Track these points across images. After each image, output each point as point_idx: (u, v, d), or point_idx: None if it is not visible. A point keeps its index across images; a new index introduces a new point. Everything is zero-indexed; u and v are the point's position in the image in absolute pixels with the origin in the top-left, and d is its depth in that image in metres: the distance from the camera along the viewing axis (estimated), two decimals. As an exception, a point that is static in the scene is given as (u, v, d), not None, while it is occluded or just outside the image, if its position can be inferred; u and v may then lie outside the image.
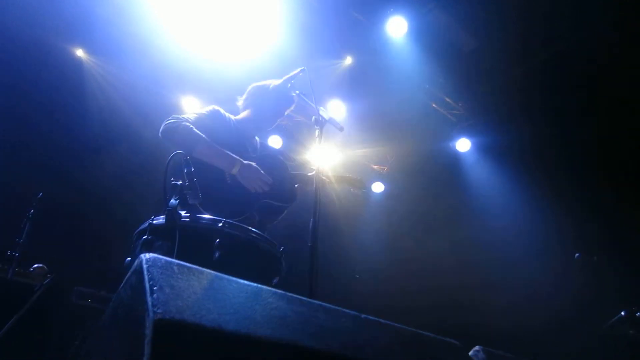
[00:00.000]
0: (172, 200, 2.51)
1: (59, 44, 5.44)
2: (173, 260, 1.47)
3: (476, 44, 6.50)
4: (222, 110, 3.18)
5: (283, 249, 2.70)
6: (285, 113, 3.39)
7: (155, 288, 1.31)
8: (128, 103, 5.51)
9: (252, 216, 3.00)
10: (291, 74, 3.37)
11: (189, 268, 1.48)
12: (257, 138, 3.39)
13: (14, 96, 5.03)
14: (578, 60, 5.79)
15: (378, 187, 7.20)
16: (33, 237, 4.28)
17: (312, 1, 5.60)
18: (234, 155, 2.88)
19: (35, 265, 4.37)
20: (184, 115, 3.01)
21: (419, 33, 6.04)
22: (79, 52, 5.57)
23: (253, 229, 2.62)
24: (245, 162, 2.88)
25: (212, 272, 1.54)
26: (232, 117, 3.28)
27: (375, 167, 7.10)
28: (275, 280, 2.64)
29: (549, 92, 6.41)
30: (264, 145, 3.49)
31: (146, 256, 1.42)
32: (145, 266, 1.38)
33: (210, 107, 3.17)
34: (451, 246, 6.52)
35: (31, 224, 4.22)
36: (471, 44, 6.57)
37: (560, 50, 5.96)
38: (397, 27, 5.87)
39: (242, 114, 3.35)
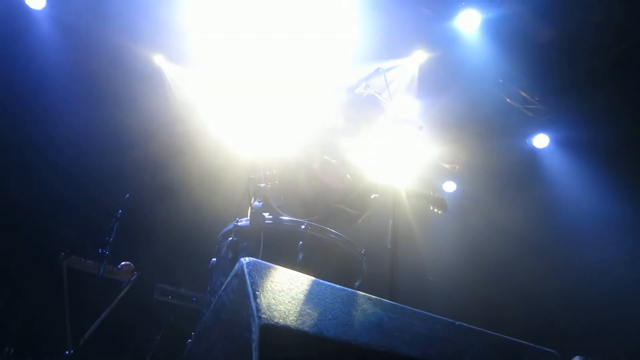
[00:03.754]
0: (256, 203, 2.57)
1: (138, 49, 5.72)
2: (272, 264, 1.49)
3: (552, 34, 6.15)
4: (315, 116, 3.23)
5: (365, 252, 2.69)
6: (376, 118, 3.37)
7: (257, 292, 1.33)
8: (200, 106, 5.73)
9: (326, 220, 3.00)
10: (366, 74, 3.35)
11: (287, 272, 1.50)
12: (341, 142, 3.38)
13: (102, 103, 5.37)
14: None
15: (450, 187, 7.01)
16: (121, 236, 4.53)
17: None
18: (316, 151, 2.89)
19: (123, 263, 4.63)
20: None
21: (492, 25, 5.79)
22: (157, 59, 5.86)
23: (334, 231, 2.62)
24: (325, 158, 2.88)
25: (309, 276, 1.55)
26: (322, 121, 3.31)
27: (446, 165, 6.91)
28: (357, 283, 2.63)
29: (631, 82, 5.95)
30: (347, 150, 3.48)
31: (246, 260, 1.45)
32: (246, 270, 1.40)
33: (303, 112, 3.22)
34: (528, 249, 6.20)
35: (120, 223, 4.47)
36: (547, 35, 6.21)
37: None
38: (469, 21, 5.67)
39: (333, 119, 3.36)
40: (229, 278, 1.49)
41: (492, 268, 6.30)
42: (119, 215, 4.48)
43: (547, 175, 6.78)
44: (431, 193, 3.46)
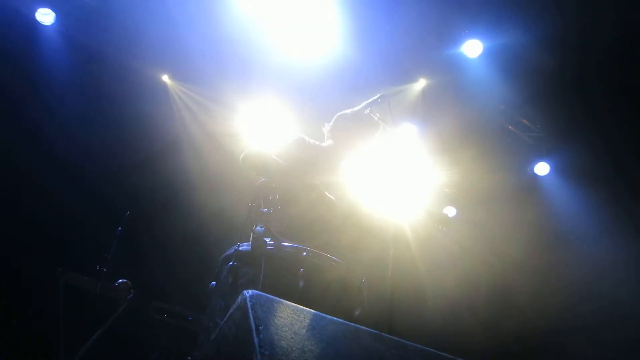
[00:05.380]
0: (258, 228, 2.57)
1: (144, 69, 5.77)
2: (274, 297, 1.49)
3: (555, 62, 6.21)
4: (306, 138, 3.21)
5: (365, 279, 2.68)
6: (373, 139, 3.36)
7: (260, 327, 1.32)
8: (205, 126, 5.77)
9: (327, 245, 2.97)
10: (370, 100, 3.35)
11: (289, 306, 1.49)
12: (340, 163, 3.36)
13: (105, 121, 5.41)
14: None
15: (450, 211, 7.01)
16: (119, 253, 4.51)
17: (385, 24, 5.58)
18: (314, 179, 2.88)
19: (120, 281, 4.59)
20: (265, 144, 3.07)
21: (494, 54, 5.86)
22: (165, 78, 5.91)
23: (335, 258, 2.62)
24: (324, 185, 2.87)
25: (311, 310, 1.54)
26: (318, 143, 3.30)
27: (447, 190, 6.92)
28: (358, 312, 2.60)
29: (633, 111, 5.99)
30: (347, 172, 3.47)
31: (249, 293, 1.44)
32: (249, 304, 1.40)
33: (294, 136, 3.21)
34: (531, 276, 6.18)
35: (119, 241, 4.45)
36: (550, 63, 6.28)
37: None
38: (471, 49, 5.74)
39: (329, 142, 3.34)
40: (231, 310, 1.48)
41: (493, 292, 6.27)
42: (118, 233, 4.46)
43: (548, 202, 6.79)
44: (438, 211, 3.46)
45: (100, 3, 5.19)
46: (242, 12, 5.23)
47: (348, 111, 3.37)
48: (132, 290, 4.67)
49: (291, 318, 1.44)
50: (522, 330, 5.93)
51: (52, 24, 5.36)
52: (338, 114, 3.37)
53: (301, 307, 1.54)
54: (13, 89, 5.14)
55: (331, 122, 3.38)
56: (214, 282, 2.80)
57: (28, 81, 5.23)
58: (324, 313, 1.63)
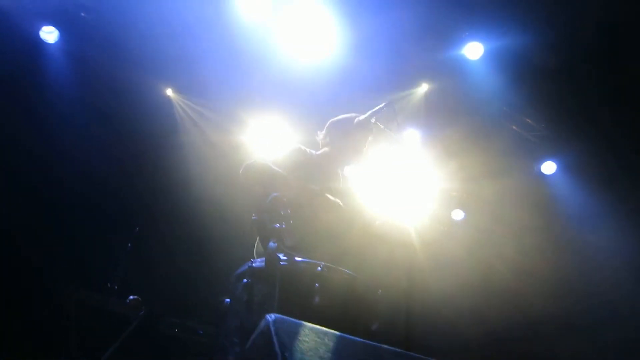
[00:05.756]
0: (271, 243, 2.55)
1: (148, 84, 5.79)
2: (296, 320, 1.48)
3: (557, 61, 6.19)
4: (302, 147, 3.20)
5: (381, 292, 2.66)
6: (367, 142, 3.33)
7: (286, 354, 1.31)
8: (213, 141, 5.79)
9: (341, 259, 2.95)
10: (375, 108, 3.33)
11: (312, 329, 1.48)
12: (340, 172, 3.35)
13: (110, 136, 5.42)
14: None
15: (458, 215, 6.99)
16: (130, 268, 4.52)
17: (384, 29, 5.56)
18: (315, 189, 2.86)
19: (131, 297, 4.59)
20: (265, 155, 3.06)
21: (496, 55, 5.83)
22: (169, 92, 5.94)
23: (350, 272, 2.60)
24: (324, 196, 2.85)
25: (334, 332, 1.53)
26: (314, 152, 3.28)
27: (453, 193, 6.90)
28: (374, 326, 2.58)
29: (635, 110, 5.96)
30: (348, 179, 3.45)
31: (272, 318, 1.43)
32: (273, 329, 1.39)
33: (291, 146, 3.20)
34: (540, 280, 6.14)
35: (128, 257, 4.47)
36: (552, 62, 6.26)
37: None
38: (472, 51, 5.73)
39: (324, 149, 3.31)
40: (254, 335, 1.47)
41: (503, 301, 6.21)
42: (128, 249, 4.47)
43: (556, 202, 6.75)
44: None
45: (102, 20, 5.20)
46: (243, 22, 5.23)
47: (347, 117, 3.35)
48: (143, 307, 4.69)
49: (315, 342, 1.42)
50: (532, 336, 5.88)
51: (55, 42, 5.39)
52: (330, 120, 3.35)
53: (324, 329, 1.52)
54: (18, 106, 5.17)
55: (324, 130, 3.37)
56: (227, 299, 2.78)
57: (33, 98, 5.26)
58: (342, 329, 1.62)
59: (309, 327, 1.47)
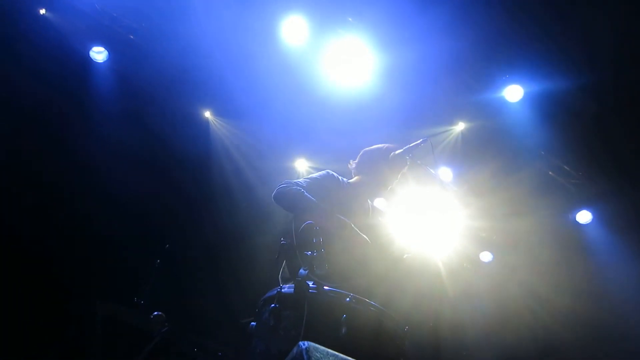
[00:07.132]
0: (302, 270, 2.55)
1: (188, 105, 5.98)
2: (329, 350, 1.47)
3: (598, 108, 6.10)
4: (335, 174, 3.20)
5: (407, 329, 2.61)
6: (399, 176, 3.32)
7: (317, 382, 1.30)
8: (249, 164, 5.89)
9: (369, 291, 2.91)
10: (412, 144, 3.31)
11: (341, 358, 1.47)
12: (369, 202, 3.33)
13: (151, 155, 5.58)
14: None
15: (486, 257, 6.86)
16: (156, 284, 4.57)
17: (425, 66, 5.61)
18: (345, 219, 2.84)
19: (155, 313, 4.63)
20: (297, 180, 3.07)
21: (535, 98, 5.81)
22: (207, 114, 6.11)
23: (378, 306, 2.57)
24: (354, 228, 2.83)
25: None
26: (346, 180, 3.29)
27: (483, 235, 6.78)
28: (400, 362, 2.53)
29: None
30: (378, 211, 3.43)
31: (305, 345, 1.43)
32: (305, 356, 1.38)
33: (323, 172, 3.21)
34: (572, 331, 5.92)
35: (157, 273, 4.53)
36: (592, 108, 6.17)
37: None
38: (512, 94, 5.71)
39: (355, 178, 3.31)
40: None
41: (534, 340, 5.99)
42: (157, 265, 4.54)
43: (591, 250, 6.55)
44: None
45: (149, 42, 5.45)
46: (283, 51, 5.38)
47: (380, 147, 3.35)
48: (166, 324, 4.71)
49: (346, 372, 1.41)
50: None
51: (104, 61, 5.67)
52: (364, 149, 3.36)
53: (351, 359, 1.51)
54: (68, 122, 5.40)
55: (357, 159, 3.37)
56: (254, 323, 2.77)
57: (82, 114, 5.50)
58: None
59: (341, 358, 1.46)
